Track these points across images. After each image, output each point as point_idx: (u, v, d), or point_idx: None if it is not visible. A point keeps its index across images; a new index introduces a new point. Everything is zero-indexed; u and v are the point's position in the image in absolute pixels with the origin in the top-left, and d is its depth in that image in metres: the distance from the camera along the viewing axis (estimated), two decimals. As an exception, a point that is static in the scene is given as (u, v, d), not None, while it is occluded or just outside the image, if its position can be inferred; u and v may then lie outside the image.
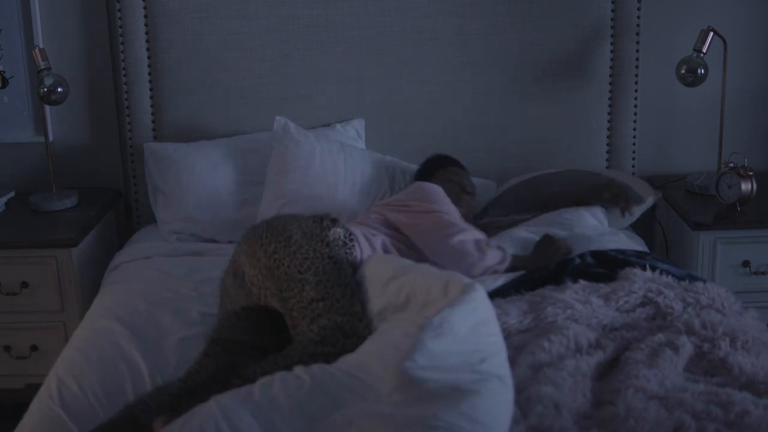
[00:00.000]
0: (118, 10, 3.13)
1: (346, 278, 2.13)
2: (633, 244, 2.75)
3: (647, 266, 2.30)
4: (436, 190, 2.59)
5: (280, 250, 2.13)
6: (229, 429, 1.59)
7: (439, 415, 1.44)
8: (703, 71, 3.07)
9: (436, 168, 2.84)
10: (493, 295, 2.27)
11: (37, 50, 3.04)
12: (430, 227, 2.46)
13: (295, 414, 1.62)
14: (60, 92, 3.05)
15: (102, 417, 1.97)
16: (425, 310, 1.78)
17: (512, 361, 1.89)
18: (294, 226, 2.20)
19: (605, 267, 2.35)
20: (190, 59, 3.17)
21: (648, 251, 2.60)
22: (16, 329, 2.94)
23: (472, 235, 2.44)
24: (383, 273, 2.05)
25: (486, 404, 1.50)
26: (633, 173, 3.28)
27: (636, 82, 3.23)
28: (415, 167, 3.01)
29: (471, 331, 1.63)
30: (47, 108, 3.17)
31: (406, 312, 1.85)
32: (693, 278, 2.33)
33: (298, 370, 1.74)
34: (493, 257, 2.40)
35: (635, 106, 3.25)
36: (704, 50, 3.06)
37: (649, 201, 2.92)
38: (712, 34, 3.05)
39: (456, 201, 2.67)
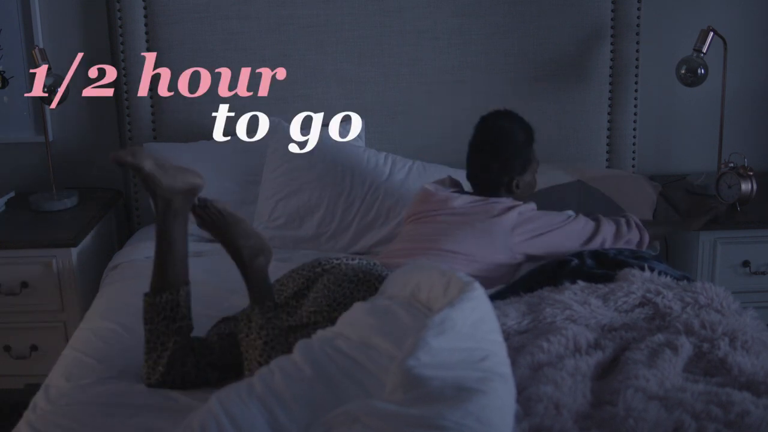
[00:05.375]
0: (118, 10, 3.13)
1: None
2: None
3: (646, 267, 2.30)
4: (531, 208, 2.48)
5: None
6: (230, 425, 1.57)
7: (446, 414, 1.43)
8: (703, 71, 3.07)
9: (530, 145, 2.54)
10: (491, 297, 2.27)
11: (37, 50, 3.04)
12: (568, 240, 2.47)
13: (297, 406, 1.61)
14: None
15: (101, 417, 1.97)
16: (428, 310, 1.78)
17: (511, 361, 1.89)
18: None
19: (605, 268, 2.35)
20: (190, 59, 3.17)
21: (645, 250, 2.59)
22: (16, 329, 2.94)
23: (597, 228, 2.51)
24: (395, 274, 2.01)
25: (493, 404, 1.50)
26: (633, 173, 3.27)
27: (636, 82, 3.23)
28: (410, 162, 3.00)
29: (472, 328, 1.63)
30: (47, 108, 3.17)
31: (410, 297, 1.84)
32: (688, 280, 2.33)
33: (297, 356, 1.71)
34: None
35: (635, 106, 3.25)
36: (704, 50, 3.06)
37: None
38: (712, 34, 3.04)
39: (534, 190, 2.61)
